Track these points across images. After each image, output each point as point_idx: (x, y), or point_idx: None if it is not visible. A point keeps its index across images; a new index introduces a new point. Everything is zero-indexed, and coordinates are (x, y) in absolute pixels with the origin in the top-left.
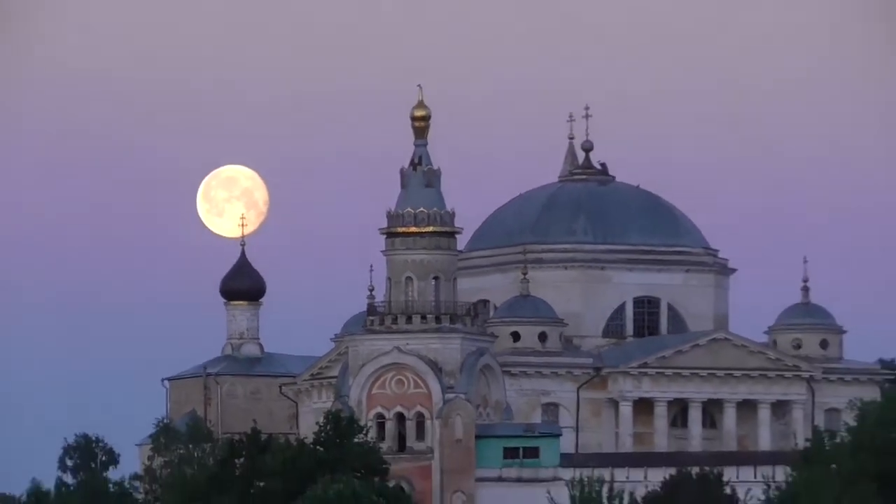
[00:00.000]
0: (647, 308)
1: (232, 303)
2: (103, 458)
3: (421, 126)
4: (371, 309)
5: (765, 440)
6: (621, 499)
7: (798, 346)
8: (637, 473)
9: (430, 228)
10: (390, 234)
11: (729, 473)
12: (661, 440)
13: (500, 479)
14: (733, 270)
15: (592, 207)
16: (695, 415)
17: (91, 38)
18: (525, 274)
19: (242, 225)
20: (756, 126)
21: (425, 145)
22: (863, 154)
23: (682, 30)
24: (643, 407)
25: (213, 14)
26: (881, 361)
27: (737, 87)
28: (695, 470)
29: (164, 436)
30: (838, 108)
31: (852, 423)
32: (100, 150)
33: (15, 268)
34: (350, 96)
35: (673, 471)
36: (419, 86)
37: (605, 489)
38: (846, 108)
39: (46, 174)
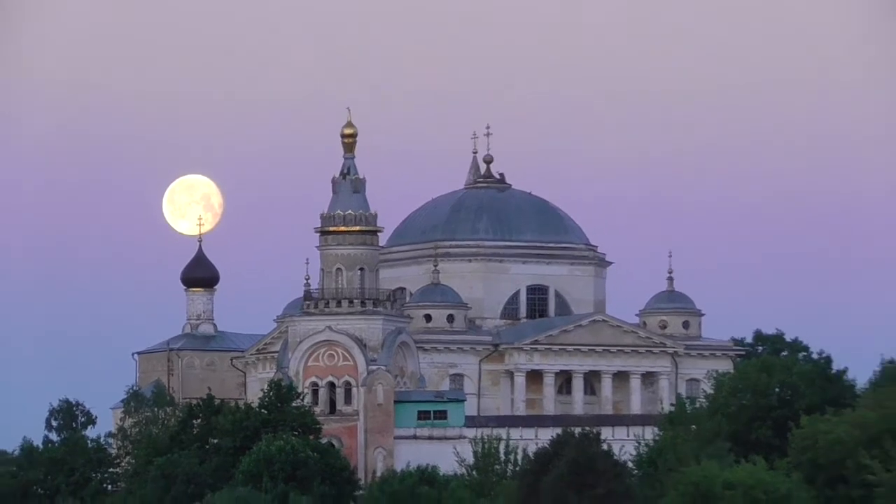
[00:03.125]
0: (537, 294)
1: (191, 289)
2: (83, 420)
3: (349, 142)
4: (307, 295)
5: (636, 405)
6: (516, 454)
7: (664, 327)
8: (529, 433)
9: (357, 228)
10: (324, 233)
11: (606, 433)
12: (549, 405)
13: (414, 437)
14: (610, 263)
15: (492, 210)
16: (577, 384)
17: (73, 53)
18: (436, 266)
19: (200, 224)
20: (630, 135)
21: (353, 158)
22: (719, 160)
23: (562, 54)
24: (534, 377)
25: (178, 43)
26: (734, 339)
27: (609, 102)
28: (577, 430)
29: (133, 401)
30: (699, 117)
31: (709, 391)
32: (85, 162)
33: (10, 261)
34: (289, 118)
35: (559, 430)
36: (348, 108)
37: (502, 446)
38: (706, 120)
39: (37, 176)
